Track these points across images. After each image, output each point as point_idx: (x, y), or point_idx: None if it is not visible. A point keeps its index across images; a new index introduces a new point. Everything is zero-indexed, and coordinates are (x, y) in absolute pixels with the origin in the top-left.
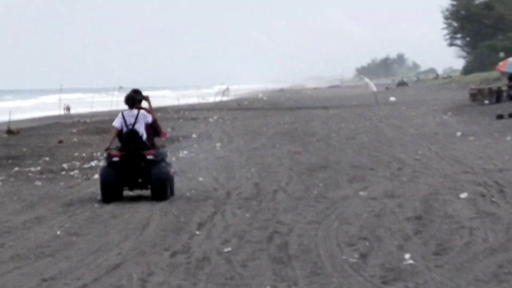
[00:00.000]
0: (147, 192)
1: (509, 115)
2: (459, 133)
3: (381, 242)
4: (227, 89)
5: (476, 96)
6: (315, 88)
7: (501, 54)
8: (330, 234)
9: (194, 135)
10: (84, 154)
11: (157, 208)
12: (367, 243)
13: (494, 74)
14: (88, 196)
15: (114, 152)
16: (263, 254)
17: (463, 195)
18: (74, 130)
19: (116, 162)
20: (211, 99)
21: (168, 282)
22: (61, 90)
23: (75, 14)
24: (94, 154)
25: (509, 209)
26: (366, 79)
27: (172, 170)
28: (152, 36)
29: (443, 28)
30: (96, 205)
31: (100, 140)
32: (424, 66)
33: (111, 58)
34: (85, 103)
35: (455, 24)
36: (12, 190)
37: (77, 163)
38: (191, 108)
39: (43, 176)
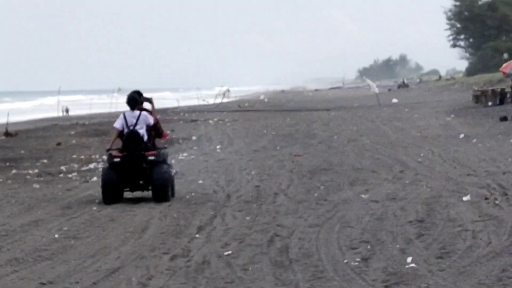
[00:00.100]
0: (147, 194)
1: None
2: (462, 135)
3: (383, 245)
4: (228, 90)
5: (480, 97)
6: (316, 90)
7: (505, 56)
8: (332, 238)
9: (194, 137)
10: (82, 157)
11: (157, 211)
12: (369, 247)
13: (497, 75)
14: (86, 199)
15: (115, 152)
16: (264, 257)
17: (466, 198)
18: (73, 132)
19: (117, 162)
20: (211, 101)
21: (167, 286)
22: (59, 92)
23: (75, 15)
24: (93, 156)
25: None
26: (368, 81)
27: (173, 172)
28: (152, 37)
29: (446, 29)
30: (94, 208)
31: (98, 142)
32: (427, 68)
33: (111, 60)
34: (84, 105)
35: (458, 25)
36: (9, 192)
37: (76, 166)
38: (191, 110)
39: (41, 178)
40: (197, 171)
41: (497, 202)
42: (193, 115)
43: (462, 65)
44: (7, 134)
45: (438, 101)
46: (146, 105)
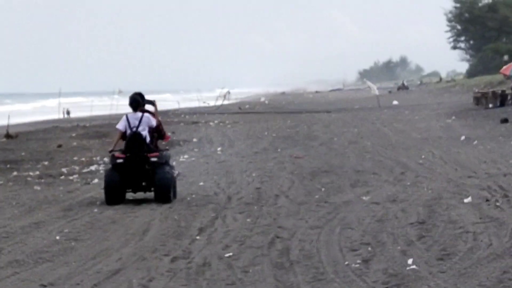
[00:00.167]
0: (149, 195)
1: None
2: (463, 137)
3: (384, 247)
4: (228, 92)
5: (480, 99)
6: (317, 92)
7: (505, 57)
8: (332, 239)
9: (195, 139)
10: (83, 159)
11: (157, 213)
12: (369, 248)
13: (498, 77)
14: (87, 201)
15: (118, 154)
16: (265, 259)
17: (467, 200)
18: (74, 134)
19: (120, 164)
20: (212, 103)
21: None
22: (60, 94)
23: (75, 17)
24: (94, 158)
25: None
26: (369, 83)
27: (176, 173)
28: (152, 39)
29: (447, 31)
30: (95, 210)
31: (99, 144)
32: (427, 69)
33: (111, 62)
34: (85, 107)
35: (458, 26)
36: (10, 194)
37: (77, 168)
38: (192, 112)
39: (42, 180)
40: (198, 173)
41: (498, 204)
42: (194, 117)
43: (463, 67)
44: (8, 136)
45: (439, 103)
46: (149, 107)
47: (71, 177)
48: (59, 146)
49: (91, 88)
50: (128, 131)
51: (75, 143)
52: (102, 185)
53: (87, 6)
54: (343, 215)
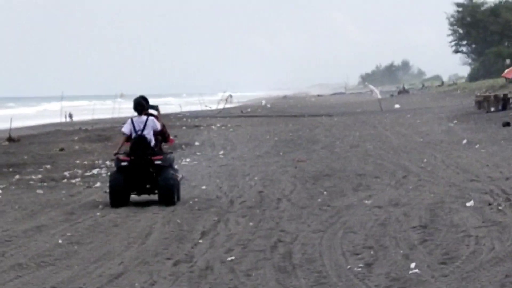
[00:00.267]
0: (153, 197)
1: None
2: (465, 141)
3: (386, 251)
4: (230, 96)
5: (482, 103)
6: (319, 95)
7: (507, 61)
8: (335, 243)
9: (197, 143)
10: (85, 162)
11: (160, 216)
12: (372, 252)
13: (500, 81)
14: (90, 204)
15: (122, 157)
16: (267, 263)
17: (469, 204)
18: (76, 138)
19: (124, 166)
20: (214, 106)
21: None
22: (62, 98)
23: (78, 21)
24: (96, 161)
25: None
26: (371, 86)
27: (179, 176)
28: (154, 43)
29: (449, 35)
30: (98, 213)
31: (101, 147)
32: (429, 73)
33: (114, 65)
34: (88, 110)
35: (460, 30)
36: (13, 198)
37: (79, 171)
38: (194, 115)
39: (45, 184)
40: (200, 176)
41: (500, 207)
42: (196, 121)
43: (465, 70)
44: (10, 139)
45: (441, 107)
46: (152, 112)
47: (73, 181)
48: (62, 149)
49: (93, 92)
50: (134, 135)
51: (77, 147)
52: (105, 189)
53: (89, 10)
54: (345, 219)
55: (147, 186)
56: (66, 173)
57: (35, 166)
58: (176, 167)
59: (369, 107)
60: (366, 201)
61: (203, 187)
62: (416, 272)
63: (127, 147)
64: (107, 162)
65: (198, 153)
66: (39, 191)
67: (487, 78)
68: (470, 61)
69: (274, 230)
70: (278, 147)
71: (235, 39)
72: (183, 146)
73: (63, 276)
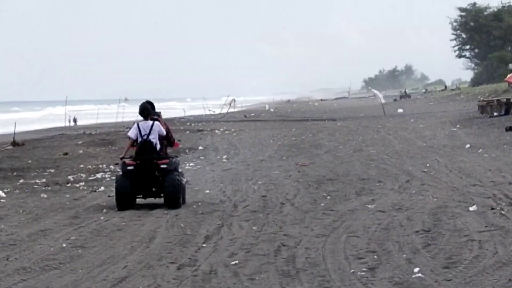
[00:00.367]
0: (158, 201)
1: None
2: (467, 146)
3: (390, 255)
4: (234, 101)
5: (485, 108)
6: (322, 100)
7: (510, 66)
8: (338, 247)
9: (200, 147)
10: (89, 166)
11: (164, 220)
12: (375, 256)
13: (503, 85)
14: (94, 208)
15: (128, 161)
16: (271, 267)
17: (472, 208)
18: (80, 142)
19: (130, 170)
20: (218, 111)
21: None
22: (66, 102)
23: (83, 26)
24: (100, 166)
25: None
26: (374, 90)
27: (184, 180)
28: (159, 47)
29: (452, 40)
30: (102, 217)
31: (105, 152)
32: (432, 78)
33: (118, 70)
34: (92, 115)
35: (463, 35)
36: (17, 202)
37: (83, 175)
38: (198, 120)
39: (49, 188)
40: (203, 180)
41: (503, 212)
42: (200, 125)
43: (468, 75)
44: (14, 144)
45: (444, 112)
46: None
47: (77, 185)
48: (66, 154)
49: (97, 96)
50: (140, 139)
51: (81, 151)
52: (109, 193)
53: (94, 14)
54: (348, 223)
55: (153, 189)
56: (70, 177)
57: (39, 170)
58: (180, 170)
59: (372, 112)
60: (369, 206)
61: (207, 191)
62: (419, 276)
63: (133, 151)
64: (111, 166)
65: (202, 158)
66: (43, 195)
67: (490, 83)
68: (473, 65)
69: (278, 234)
70: (281, 152)
71: (239, 44)
72: (187, 151)
73: (67, 280)
